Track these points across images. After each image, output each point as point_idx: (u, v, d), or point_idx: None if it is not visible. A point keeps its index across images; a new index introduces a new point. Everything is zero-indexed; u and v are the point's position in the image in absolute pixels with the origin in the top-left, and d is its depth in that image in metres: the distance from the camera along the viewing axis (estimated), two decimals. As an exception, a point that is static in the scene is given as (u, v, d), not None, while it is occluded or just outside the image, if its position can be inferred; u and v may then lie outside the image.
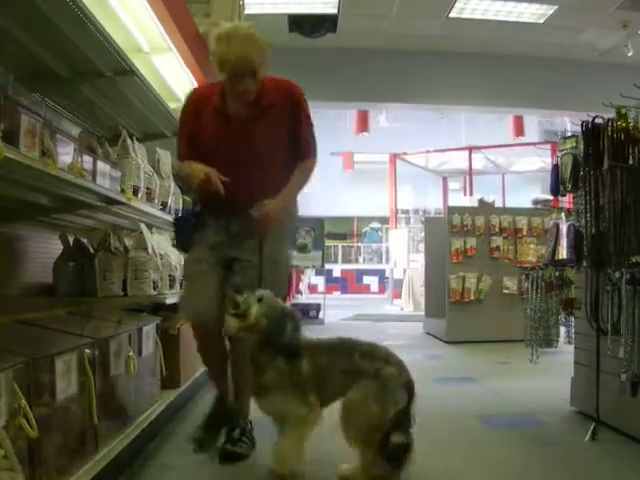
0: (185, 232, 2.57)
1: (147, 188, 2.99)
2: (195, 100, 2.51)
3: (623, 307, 2.52)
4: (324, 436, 2.16)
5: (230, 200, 2.30)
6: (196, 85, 3.77)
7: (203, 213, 2.51)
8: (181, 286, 3.21)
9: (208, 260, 2.42)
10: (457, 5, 6.90)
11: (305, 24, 7.13)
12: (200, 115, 2.44)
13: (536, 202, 7.42)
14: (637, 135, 2.68)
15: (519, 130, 13.62)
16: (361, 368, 2.09)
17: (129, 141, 2.90)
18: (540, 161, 11.56)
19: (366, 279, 16.81)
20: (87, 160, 2.23)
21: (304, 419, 2.10)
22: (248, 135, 2.40)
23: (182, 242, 2.69)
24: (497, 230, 6.35)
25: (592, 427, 2.68)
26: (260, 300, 2.11)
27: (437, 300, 6.54)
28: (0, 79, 2.11)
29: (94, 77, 2.64)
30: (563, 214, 3.31)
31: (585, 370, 3.03)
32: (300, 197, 2.56)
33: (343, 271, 16.99)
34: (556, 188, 3.14)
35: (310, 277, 13.76)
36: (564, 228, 3.29)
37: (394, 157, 11.92)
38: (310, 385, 2.12)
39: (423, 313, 7.37)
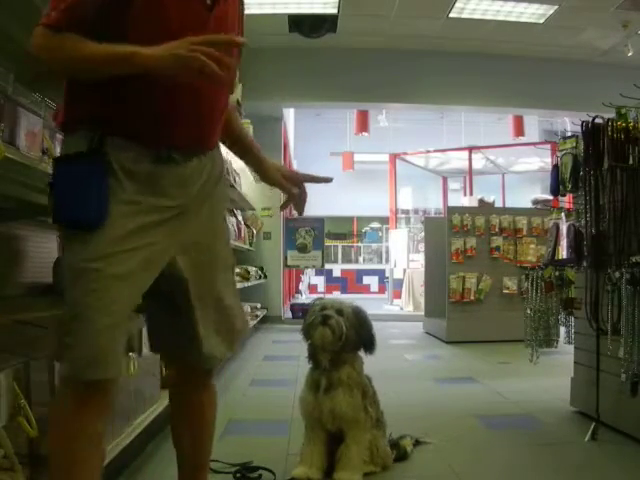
0: (86, 189, 1.26)
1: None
2: None
3: (623, 307, 2.52)
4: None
5: (171, 122, 1.35)
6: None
7: (106, 147, 1.30)
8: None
9: (145, 251, 1.33)
10: (457, 5, 6.89)
11: (305, 24, 7.11)
12: None
13: (536, 202, 7.41)
14: (637, 135, 2.68)
15: (519, 130, 13.61)
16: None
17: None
18: (540, 161, 11.56)
19: (366, 279, 16.79)
20: (87, 160, 2.22)
21: (365, 425, 2.17)
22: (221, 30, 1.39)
23: (80, 210, 1.27)
24: (497, 230, 6.35)
25: (592, 427, 2.68)
26: (339, 311, 2.14)
27: (437, 300, 6.54)
28: (0, 79, 2.10)
29: (94, 77, 2.63)
30: (563, 214, 3.31)
31: (585, 370, 3.03)
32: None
33: (343, 271, 16.96)
34: (556, 188, 3.14)
35: (310, 277, 13.77)
36: (564, 228, 3.28)
37: (394, 157, 11.90)
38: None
39: (423, 313, 7.37)
